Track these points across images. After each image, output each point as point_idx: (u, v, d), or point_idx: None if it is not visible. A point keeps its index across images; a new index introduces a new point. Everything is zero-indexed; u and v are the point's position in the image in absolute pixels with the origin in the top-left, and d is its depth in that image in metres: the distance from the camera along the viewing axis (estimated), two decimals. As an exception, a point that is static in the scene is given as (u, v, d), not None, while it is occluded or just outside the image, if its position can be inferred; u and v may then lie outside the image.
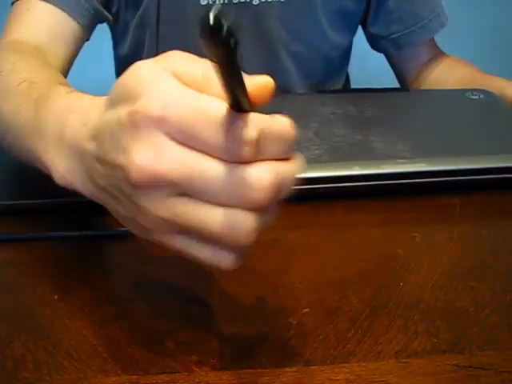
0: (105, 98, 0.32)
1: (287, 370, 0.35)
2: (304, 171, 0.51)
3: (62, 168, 0.35)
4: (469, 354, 0.36)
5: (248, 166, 0.27)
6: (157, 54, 0.85)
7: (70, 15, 0.66)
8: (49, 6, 0.65)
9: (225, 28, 0.21)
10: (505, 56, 1.65)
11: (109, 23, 0.77)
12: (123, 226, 0.48)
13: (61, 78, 0.51)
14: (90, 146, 0.31)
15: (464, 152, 0.54)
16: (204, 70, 0.29)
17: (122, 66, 0.87)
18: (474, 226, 0.49)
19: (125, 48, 0.81)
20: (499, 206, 0.52)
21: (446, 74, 0.83)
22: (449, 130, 0.60)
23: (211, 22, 0.21)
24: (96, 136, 0.30)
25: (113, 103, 0.29)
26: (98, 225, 0.48)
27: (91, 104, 0.34)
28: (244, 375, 0.34)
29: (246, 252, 0.30)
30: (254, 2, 0.74)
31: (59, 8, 0.65)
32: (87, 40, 0.71)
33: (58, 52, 0.64)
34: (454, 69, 0.83)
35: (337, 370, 0.35)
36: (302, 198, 0.51)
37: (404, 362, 0.35)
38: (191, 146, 0.27)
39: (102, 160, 0.30)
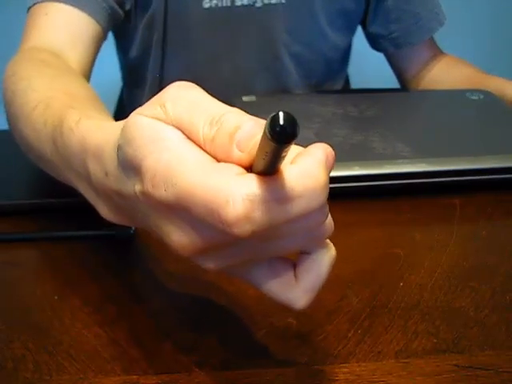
0: (113, 128, 0.30)
1: (287, 369, 0.35)
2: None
3: (105, 211, 0.34)
4: (469, 353, 0.36)
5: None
6: (163, 57, 0.84)
7: (89, 14, 0.64)
8: (67, 8, 0.63)
9: (297, 131, 0.21)
10: (505, 56, 1.65)
11: (119, 24, 0.77)
12: (123, 226, 0.48)
13: (76, 89, 0.49)
14: (122, 202, 0.30)
15: (464, 152, 0.54)
16: (206, 117, 0.26)
17: (129, 68, 0.87)
18: (474, 225, 0.49)
19: (133, 50, 0.81)
20: (499, 206, 0.52)
21: (446, 74, 0.83)
22: (449, 130, 0.60)
23: (289, 129, 0.21)
24: (123, 197, 0.30)
25: (124, 166, 0.28)
26: (98, 225, 0.48)
27: (102, 138, 0.32)
28: (244, 375, 0.34)
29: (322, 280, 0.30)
30: (257, 5, 0.74)
31: (78, 8, 0.64)
32: (104, 40, 0.70)
33: (79, 54, 0.63)
34: (454, 68, 0.83)
35: (337, 369, 0.35)
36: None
37: (404, 362, 0.35)
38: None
39: (137, 218, 0.30)
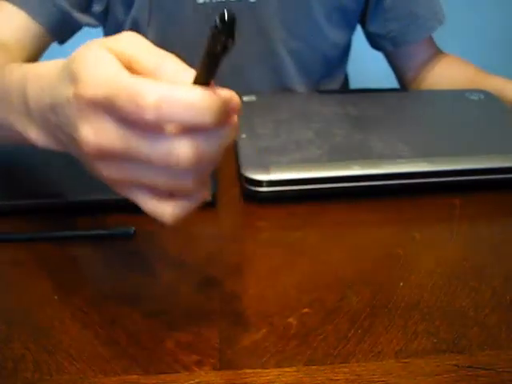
0: (55, 62, 0.36)
1: (287, 369, 0.35)
2: (301, 169, 0.51)
3: (36, 134, 0.38)
4: (469, 354, 0.36)
5: (171, 139, 0.30)
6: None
7: (33, 18, 0.68)
8: (15, 9, 0.67)
9: (235, 24, 0.27)
10: (505, 55, 1.65)
11: (104, 22, 0.78)
12: (123, 226, 0.48)
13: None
14: (52, 117, 0.35)
15: (464, 152, 0.54)
16: (153, 59, 0.32)
17: None
18: (474, 225, 0.49)
19: None
20: (499, 206, 0.52)
21: (446, 73, 0.83)
22: (449, 130, 0.60)
23: (230, 17, 0.27)
24: (54, 108, 0.34)
25: (63, 79, 0.33)
26: (98, 225, 0.48)
27: (44, 68, 0.37)
28: (244, 375, 0.34)
29: (186, 209, 0.34)
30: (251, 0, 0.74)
31: (23, 10, 0.68)
32: (62, 42, 0.73)
33: (21, 51, 0.67)
34: (454, 68, 0.83)
35: (337, 370, 0.35)
36: (303, 198, 0.52)
37: (404, 362, 0.35)
38: (124, 121, 0.31)
39: (62, 130, 0.35)
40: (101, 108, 0.31)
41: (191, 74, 0.31)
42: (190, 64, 0.32)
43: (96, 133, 0.31)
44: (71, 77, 0.32)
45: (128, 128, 0.30)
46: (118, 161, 0.32)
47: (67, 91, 0.32)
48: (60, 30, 0.72)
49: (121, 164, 0.32)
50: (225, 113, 0.30)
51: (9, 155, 0.57)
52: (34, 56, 0.69)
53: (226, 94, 0.31)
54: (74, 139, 0.33)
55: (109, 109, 0.30)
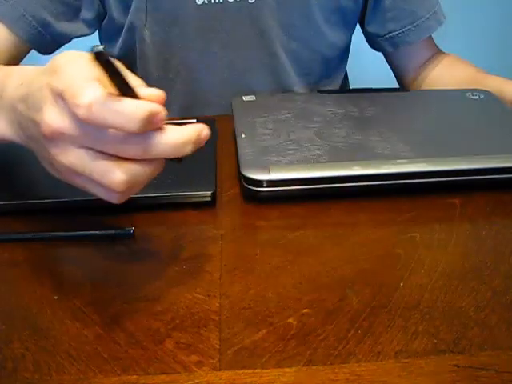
0: (42, 66, 0.40)
1: (287, 370, 0.35)
2: (301, 169, 0.51)
3: (1, 128, 0.43)
4: (469, 354, 0.36)
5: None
6: (149, 56, 0.86)
7: (9, 28, 0.69)
8: None
9: (104, 57, 0.32)
10: (505, 55, 1.65)
11: (100, 26, 0.78)
12: (123, 227, 0.48)
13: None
14: (20, 106, 0.40)
15: (464, 152, 0.54)
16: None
17: None
18: (474, 226, 0.49)
19: (115, 51, 0.81)
20: (499, 206, 0.52)
21: (446, 73, 0.83)
22: (449, 130, 0.60)
23: (96, 52, 0.32)
24: (27, 96, 0.39)
25: (44, 72, 0.38)
26: (98, 225, 0.48)
27: (29, 68, 0.43)
28: (244, 375, 0.34)
29: (128, 194, 0.38)
30: (249, 0, 0.74)
31: (2, 23, 0.68)
32: (47, 54, 0.73)
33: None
34: (454, 68, 0.83)
35: (337, 370, 0.35)
36: (303, 198, 0.52)
37: (404, 362, 0.35)
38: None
39: (26, 116, 0.39)
40: (60, 98, 0.36)
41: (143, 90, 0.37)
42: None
43: (54, 116, 0.36)
44: (52, 69, 0.37)
45: (76, 118, 0.35)
46: (68, 145, 0.36)
47: (44, 80, 0.37)
48: (41, 43, 0.72)
49: (71, 148, 0.37)
50: (148, 123, 0.35)
51: (9, 155, 0.57)
52: (12, 64, 0.69)
53: (153, 107, 0.35)
54: (35, 122, 0.37)
55: (62, 100, 0.36)
